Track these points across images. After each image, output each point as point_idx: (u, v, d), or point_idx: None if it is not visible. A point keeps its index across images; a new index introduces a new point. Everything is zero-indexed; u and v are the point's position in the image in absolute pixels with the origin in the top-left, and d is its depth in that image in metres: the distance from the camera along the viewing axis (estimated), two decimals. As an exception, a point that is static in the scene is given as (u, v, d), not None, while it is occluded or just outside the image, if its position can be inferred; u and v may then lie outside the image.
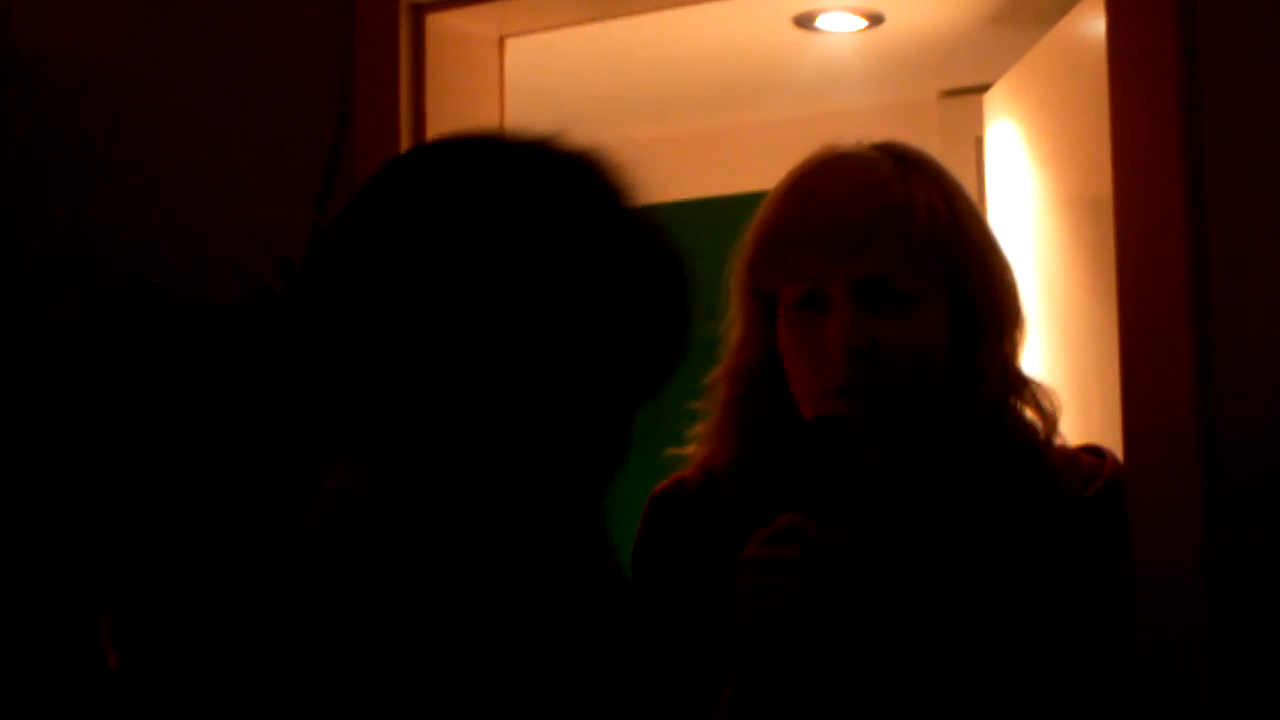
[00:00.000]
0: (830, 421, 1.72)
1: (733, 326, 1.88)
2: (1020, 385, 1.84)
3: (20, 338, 2.83)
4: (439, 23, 2.86)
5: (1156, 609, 2.01)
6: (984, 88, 4.17)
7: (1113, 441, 2.28)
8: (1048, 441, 1.85)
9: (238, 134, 2.96)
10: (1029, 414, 1.84)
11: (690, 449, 1.93)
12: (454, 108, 2.89)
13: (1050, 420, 1.86)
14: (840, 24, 4.44)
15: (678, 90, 5.36)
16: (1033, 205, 3.69)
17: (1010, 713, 1.74)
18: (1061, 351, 3.44)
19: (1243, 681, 2.03)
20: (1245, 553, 2.05)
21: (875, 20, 4.42)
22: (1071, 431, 3.34)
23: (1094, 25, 2.93)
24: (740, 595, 1.68)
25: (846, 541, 1.67)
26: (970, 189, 5.11)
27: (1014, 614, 1.76)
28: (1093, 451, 1.91)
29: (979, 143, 4.43)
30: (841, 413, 1.74)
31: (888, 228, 1.74)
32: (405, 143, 2.80)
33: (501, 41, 3.03)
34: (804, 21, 4.42)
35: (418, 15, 2.83)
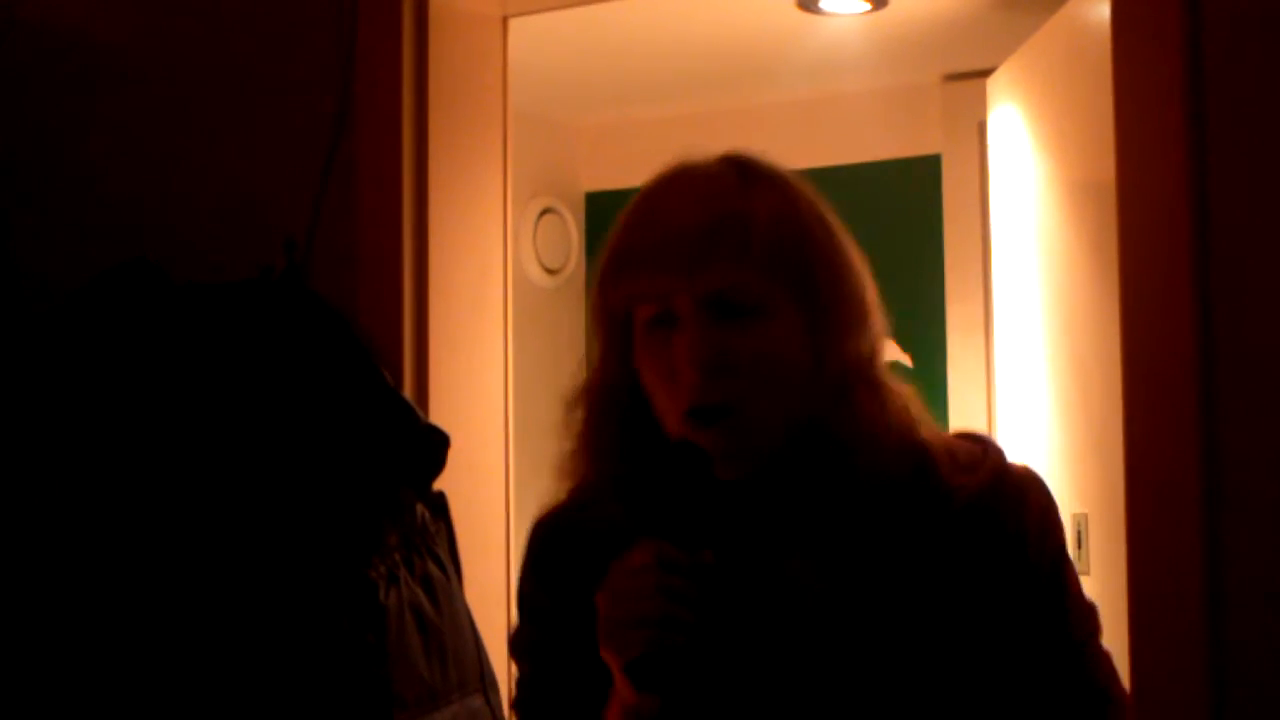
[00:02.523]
0: (683, 446, 1.71)
1: (591, 348, 1.85)
2: (880, 388, 1.80)
3: (21, 317, 2.82)
4: (442, 2, 2.86)
5: (1153, 603, 2.02)
6: (987, 72, 4.17)
7: (1114, 425, 2.28)
8: (928, 435, 1.80)
9: (240, 112, 2.95)
10: (897, 413, 1.80)
11: (561, 468, 1.88)
12: (456, 87, 2.89)
13: (919, 417, 1.81)
14: (844, 7, 4.44)
15: (681, 72, 5.35)
16: (1036, 190, 3.69)
17: None
18: (1064, 335, 3.44)
19: (1244, 679, 2.03)
20: (1246, 542, 2.05)
21: (879, 3, 4.42)
22: (1073, 415, 3.34)
23: (1098, 9, 2.92)
24: (605, 629, 1.64)
25: (710, 566, 1.65)
26: (972, 174, 5.15)
27: (887, 629, 1.73)
28: (974, 440, 1.86)
29: (982, 127, 4.43)
30: (698, 429, 1.72)
31: (728, 239, 1.71)
32: (407, 121, 2.79)
33: (505, 21, 3.03)
34: (808, 4, 4.41)
35: (421, -6, 2.83)
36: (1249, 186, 2.09)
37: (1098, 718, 1.80)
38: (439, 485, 2.66)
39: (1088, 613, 1.81)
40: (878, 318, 1.82)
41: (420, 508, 2.59)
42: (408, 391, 2.72)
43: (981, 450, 1.82)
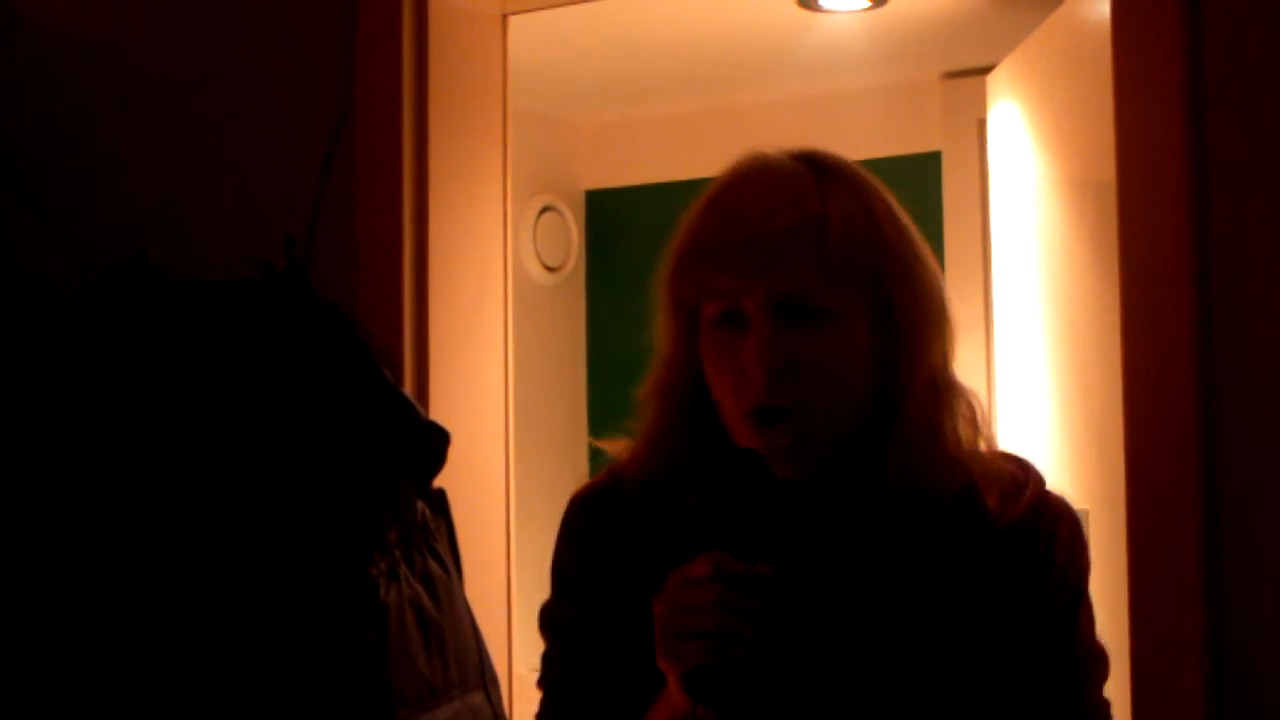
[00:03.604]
0: (745, 455, 1.71)
1: (660, 340, 1.85)
2: (948, 394, 1.80)
3: (21, 315, 2.82)
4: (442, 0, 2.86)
5: (1152, 607, 2.02)
6: (987, 69, 4.16)
7: (1114, 421, 2.28)
8: (972, 455, 1.80)
9: (240, 110, 2.96)
10: (959, 425, 1.80)
11: (618, 449, 1.89)
12: (456, 85, 2.89)
13: (980, 429, 1.82)
14: (844, 4, 4.44)
15: (680, 70, 5.35)
16: (1035, 187, 3.69)
17: None
18: (1064, 332, 3.44)
19: (1243, 675, 2.03)
20: (1246, 537, 2.05)
21: (879, 1, 4.41)
22: (1073, 414, 3.34)
23: (1098, 7, 2.92)
24: (663, 639, 1.64)
25: (769, 579, 1.65)
26: (972, 172, 5.14)
27: (942, 648, 1.74)
28: (1019, 465, 1.86)
29: (982, 124, 4.43)
30: (760, 429, 1.72)
31: (803, 244, 1.70)
32: (407, 119, 2.79)
33: (505, 19, 3.03)
34: (808, 1, 4.41)
35: (421, -8, 2.83)
36: (1249, 183, 2.10)
37: None
38: (439, 482, 2.66)
39: (1096, 656, 1.82)
40: (950, 323, 1.82)
41: (420, 505, 2.59)
42: (408, 389, 2.72)
43: (1024, 475, 1.82)
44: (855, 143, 5.41)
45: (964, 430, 1.79)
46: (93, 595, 2.54)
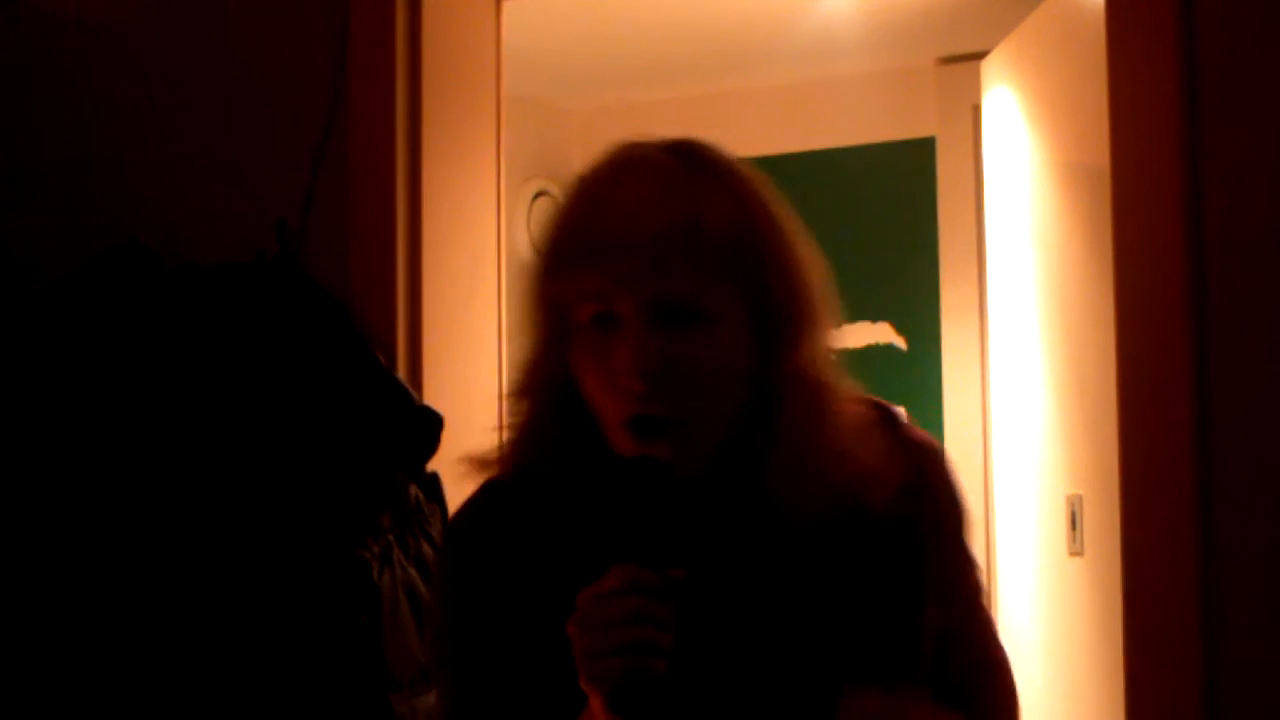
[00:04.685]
0: (641, 463, 1.67)
1: (531, 340, 1.78)
2: (828, 389, 1.76)
3: (14, 299, 2.82)
4: (436, -16, 2.86)
5: (1147, 593, 2.02)
6: (981, 54, 4.16)
7: (1108, 407, 2.29)
8: (858, 441, 1.77)
9: (233, 95, 2.95)
10: (840, 419, 1.76)
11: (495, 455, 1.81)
12: (450, 70, 2.89)
13: (834, 426, 1.77)
14: (838, -11, 4.44)
15: (675, 55, 5.35)
16: (1030, 172, 3.69)
17: None
18: (1058, 318, 3.45)
19: (1237, 659, 2.03)
20: (1238, 522, 2.06)
21: (873, -14, 4.42)
22: (1067, 397, 3.35)
23: (1093, -8, 2.92)
24: (582, 660, 1.57)
25: (683, 584, 1.62)
26: (967, 156, 5.15)
27: (846, 633, 1.72)
28: (873, 405, 1.82)
29: (976, 110, 4.43)
30: (642, 445, 1.68)
31: (678, 244, 1.64)
32: (401, 104, 2.79)
33: (498, 3, 3.02)
34: (802, -14, 4.42)
35: (415, -24, 2.83)
36: (1242, 168, 2.10)
37: (991, 682, 1.81)
38: (433, 467, 2.66)
39: (977, 584, 1.82)
40: (828, 318, 1.76)
41: (414, 489, 2.59)
42: (402, 373, 2.72)
43: (890, 430, 1.78)
44: (850, 128, 5.41)
45: (840, 423, 1.74)
46: (87, 581, 2.54)
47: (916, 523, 1.75)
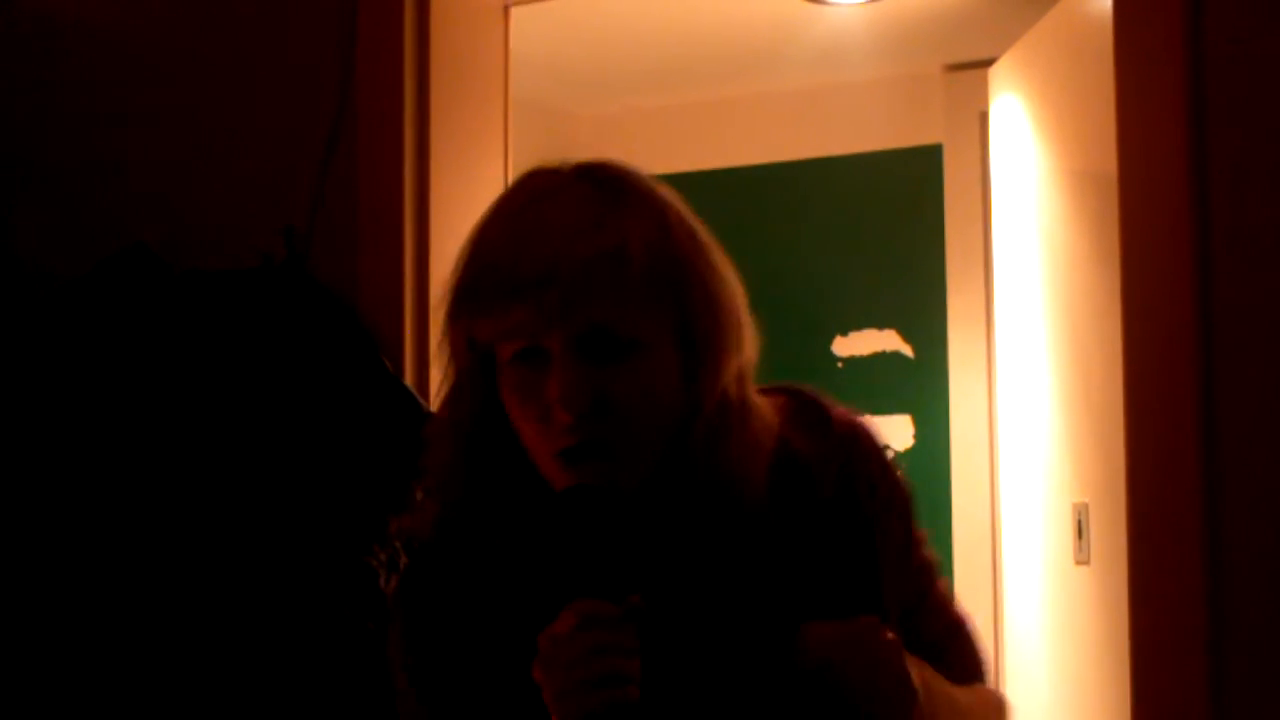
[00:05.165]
0: (580, 491, 1.66)
1: (447, 377, 1.75)
2: (743, 411, 1.75)
3: (21, 304, 2.82)
4: (444, -10, 2.86)
5: (1153, 591, 2.02)
6: (989, 62, 4.16)
7: (1115, 414, 2.28)
8: (775, 459, 1.76)
9: (241, 100, 2.95)
10: (751, 438, 1.76)
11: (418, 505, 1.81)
12: (458, 75, 2.89)
13: (764, 439, 1.77)
14: (846, -4, 4.44)
15: (682, 61, 5.35)
16: (1037, 180, 3.69)
17: None
18: (1065, 325, 3.44)
19: (1244, 665, 2.03)
20: (1245, 530, 2.05)
21: (881, -7, 4.42)
22: (1073, 404, 3.34)
23: (1100, 0, 2.92)
24: (554, 701, 1.57)
25: (643, 609, 1.62)
26: (974, 164, 5.14)
27: (775, 627, 1.71)
28: (785, 391, 1.82)
29: (983, 117, 4.43)
30: (576, 474, 1.67)
31: (603, 275, 1.62)
32: (409, 109, 2.79)
33: (506, 10, 3.03)
34: (810, -7, 4.42)
35: (423, -18, 2.83)
36: (1249, 176, 2.09)
37: (954, 646, 1.81)
38: (440, 473, 2.66)
39: (931, 568, 1.81)
40: (749, 336, 1.72)
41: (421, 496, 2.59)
42: (409, 379, 2.72)
43: (822, 426, 1.77)
44: (857, 135, 5.41)
45: (767, 437, 1.72)
46: (94, 587, 2.54)
47: (857, 503, 1.75)
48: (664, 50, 5.20)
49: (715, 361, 1.69)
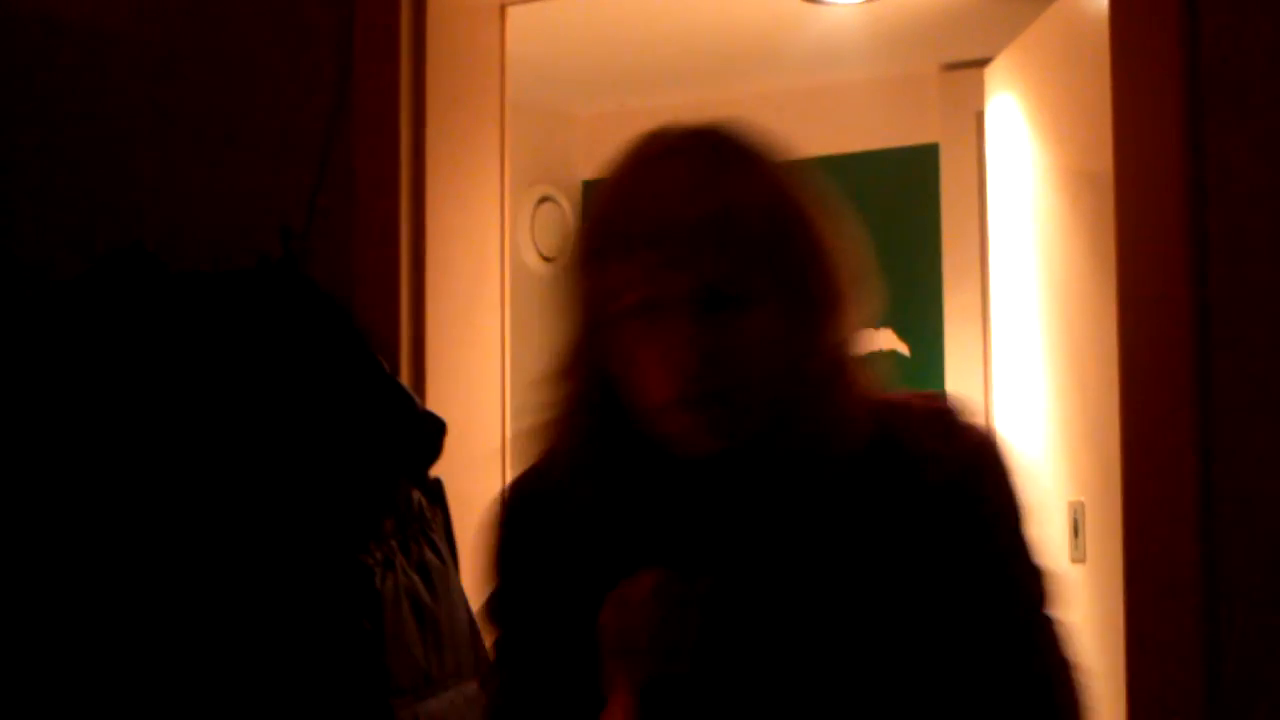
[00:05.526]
0: (672, 465, 1.70)
1: (567, 330, 1.82)
2: (851, 370, 1.80)
3: (17, 303, 2.82)
4: (440, -10, 2.86)
5: (1147, 585, 2.02)
6: (985, 61, 4.16)
7: (1110, 413, 2.29)
8: (887, 417, 1.79)
9: (237, 101, 2.95)
10: (858, 397, 1.79)
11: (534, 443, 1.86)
12: (454, 76, 2.89)
13: (870, 405, 1.80)
14: (842, -4, 4.44)
15: (679, 61, 5.35)
16: (1033, 179, 3.69)
17: None
18: (1061, 324, 3.45)
19: (1239, 662, 2.03)
20: (1241, 528, 2.06)
21: (877, -8, 4.42)
22: (1069, 404, 3.35)
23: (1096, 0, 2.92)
24: (608, 658, 1.66)
25: (709, 590, 1.66)
26: (970, 163, 5.15)
27: (887, 624, 1.73)
28: (929, 397, 1.85)
29: (980, 117, 4.43)
30: (684, 424, 1.72)
31: (715, 232, 1.69)
32: (405, 110, 2.79)
33: (503, 10, 3.03)
34: (806, -7, 4.42)
35: (419, -18, 2.83)
36: (1246, 175, 2.10)
37: (1044, 696, 1.81)
38: (435, 472, 2.66)
39: (1037, 575, 1.80)
40: (860, 300, 1.80)
41: (416, 494, 2.59)
42: (405, 378, 2.72)
43: (949, 418, 1.81)
44: (853, 134, 5.42)
45: (874, 403, 1.78)
46: (89, 587, 2.54)
47: (959, 499, 1.77)
48: (660, 50, 5.20)
49: (823, 321, 1.75)
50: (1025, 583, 1.79)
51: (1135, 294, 2.20)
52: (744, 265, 1.70)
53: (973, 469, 1.77)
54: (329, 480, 2.53)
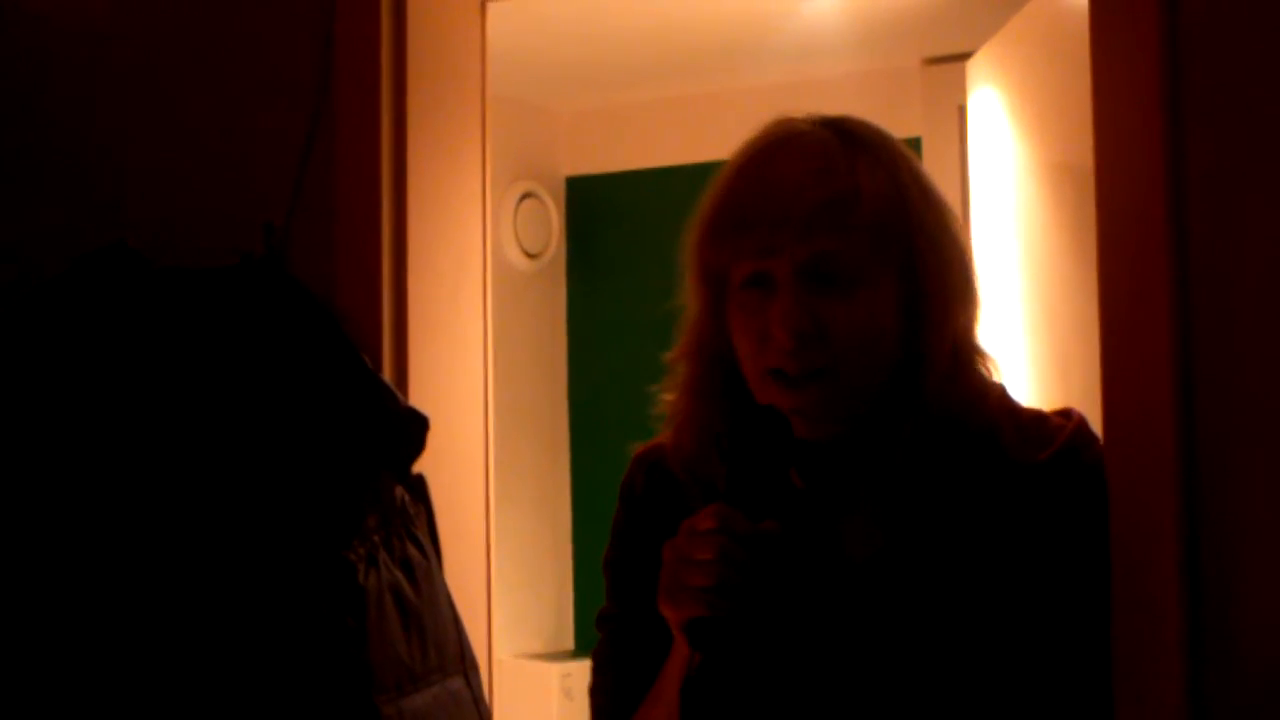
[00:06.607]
0: (763, 412, 1.74)
1: (688, 305, 1.90)
2: (969, 360, 1.85)
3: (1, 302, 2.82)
4: (421, -14, 2.85)
5: (1130, 584, 2.02)
6: (966, 55, 4.17)
7: (1092, 406, 2.29)
8: (1003, 410, 1.85)
9: (219, 98, 2.95)
10: (978, 387, 1.85)
11: (665, 410, 1.94)
12: (435, 71, 2.89)
13: (998, 389, 1.87)
14: (824, -10, 4.44)
15: (661, 55, 5.35)
16: (1015, 172, 3.70)
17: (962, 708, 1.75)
18: (1042, 318, 3.45)
19: (1217, 647, 2.03)
20: (1221, 522, 2.06)
21: (858, -13, 4.42)
22: (1051, 398, 3.35)
23: (1077, -8, 2.93)
24: (664, 587, 1.70)
25: (772, 535, 1.68)
26: (952, 156, 5.14)
27: (953, 602, 1.76)
28: (1063, 414, 1.92)
29: (961, 110, 4.44)
30: (784, 389, 1.75)
31: (834, 213, 1.74)
32: (386, 106, 2.79)
33: (483, 5, 3.02)
34: (787, -13, 4.42)
35: (399, -22, 2.82)
36: (1225, 168, 2.10)
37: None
38: (418, 468, 2.66)
39: (1101, 609, 1.89)
40: (975, 290, 1.86)
41: (400, 490, 2.59)
42: (387, 375, 2.72)
43: (1062, 424, 1.87)
44: (835, 129, 5.41)
45: (987, 392, 1.84)
46: (67, 583, 2.54)
47: (1061, 510, 1.82)
48: (642, 45, 5.20)
49: (942, 310, 1.82)
50: (1099, 581, 1.88)
51: (1116, 286, 2.20)
52: (859, 247, 1.75)
53: (1069, 465, 1.82)
54: (312, 476, 2.53)
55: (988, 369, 1.87)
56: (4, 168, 3.10)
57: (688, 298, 1.88)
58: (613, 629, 1.98)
